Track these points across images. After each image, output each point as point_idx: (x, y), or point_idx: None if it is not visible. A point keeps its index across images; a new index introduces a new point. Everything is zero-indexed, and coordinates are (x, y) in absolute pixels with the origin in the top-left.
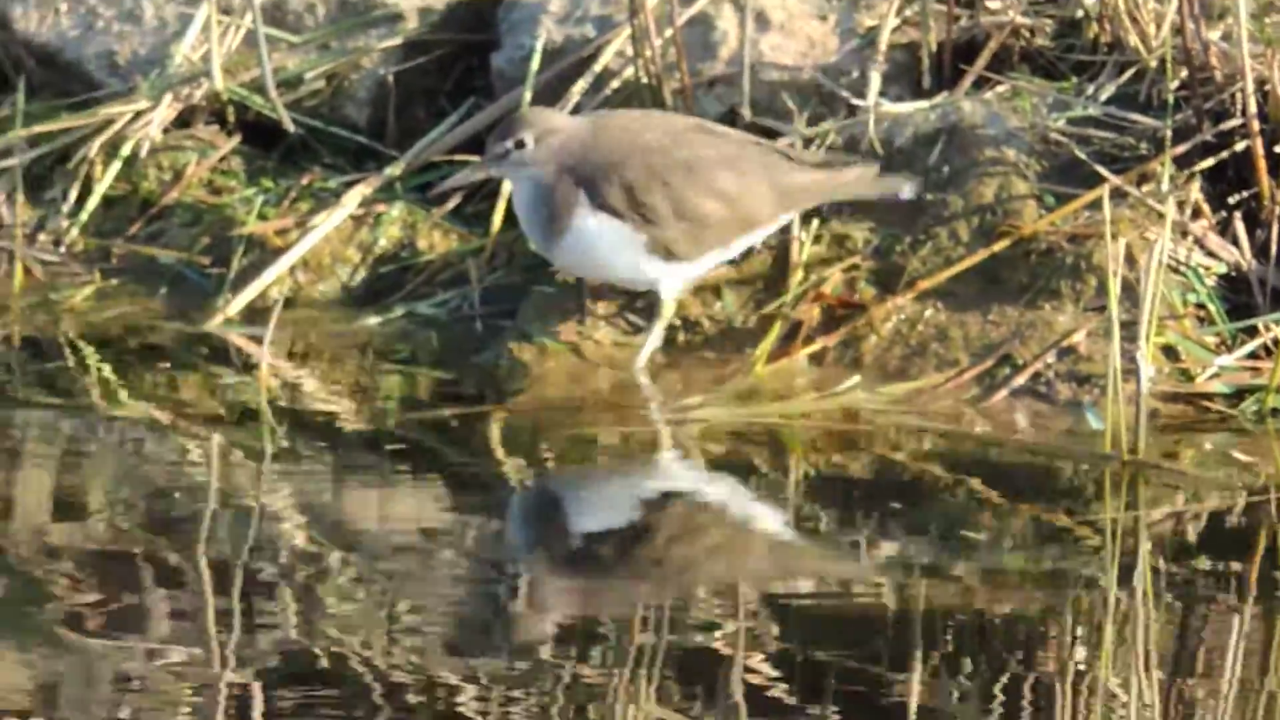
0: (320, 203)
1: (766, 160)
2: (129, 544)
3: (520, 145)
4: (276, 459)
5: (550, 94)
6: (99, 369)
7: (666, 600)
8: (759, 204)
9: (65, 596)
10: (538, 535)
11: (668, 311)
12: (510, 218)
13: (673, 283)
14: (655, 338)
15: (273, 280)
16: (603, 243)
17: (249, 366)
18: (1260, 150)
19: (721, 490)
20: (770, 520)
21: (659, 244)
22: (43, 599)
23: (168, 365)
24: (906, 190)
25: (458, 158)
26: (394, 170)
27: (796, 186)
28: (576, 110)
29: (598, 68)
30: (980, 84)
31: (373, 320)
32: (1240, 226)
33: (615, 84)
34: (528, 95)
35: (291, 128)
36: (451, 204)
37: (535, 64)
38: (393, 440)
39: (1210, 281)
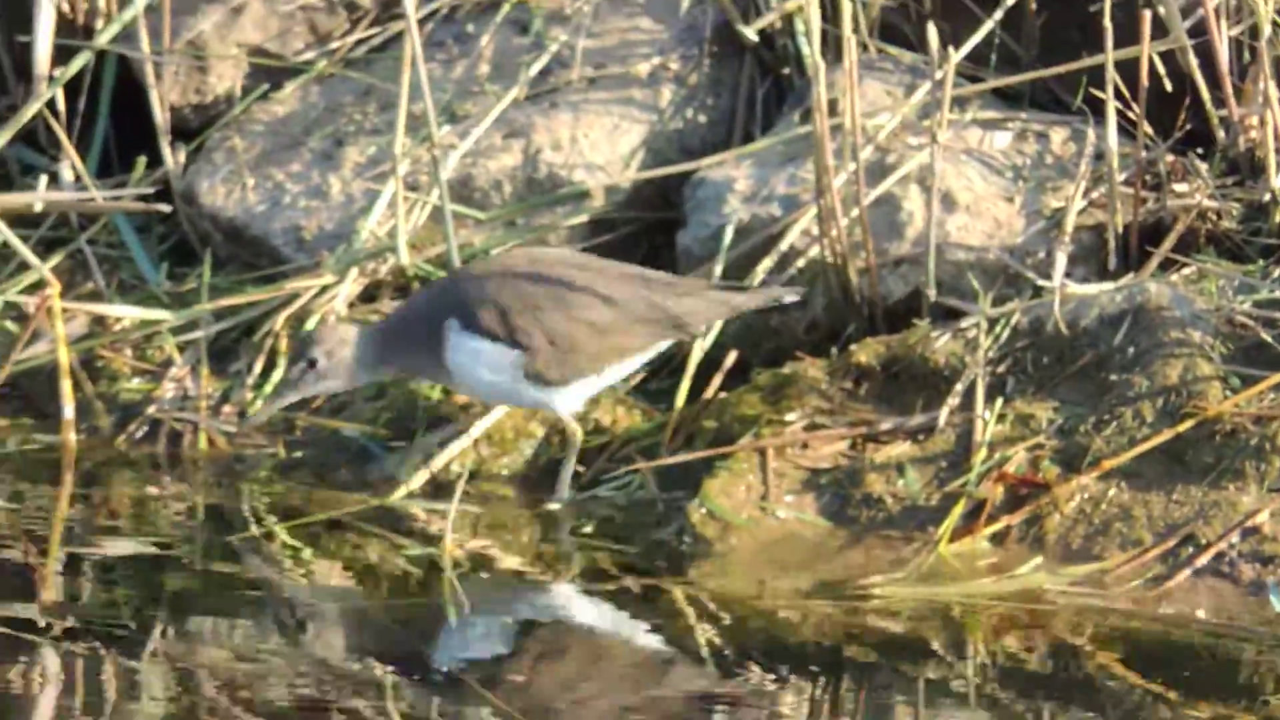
0: None
1: (640, 289)
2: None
3: (312, 364)
4: (460, 630)
5: (736, 272)
6: (282, 540)
7: None
8: (631, 332)
9: None
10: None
11: (574, 433)
12: (693, 393)
13: (565, 404)
14: (569, 465)
15: (456, 454)
16: (480, 362)
17: (432, 539)
18: None
19: (898, 673)
20: (947, 708)
21: (532, 368)
22: None
23: (350, 537)
24: (789, 297)
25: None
26: None
27: (670, 313)
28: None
29: (784, 246)
30: (1166, 266)
31: (551, 507)
32: None
33: (801, 263)
34: (718, 270)
35: None
36: (636, 380)
37: (726, 241)
38: (574, 611)
39: None
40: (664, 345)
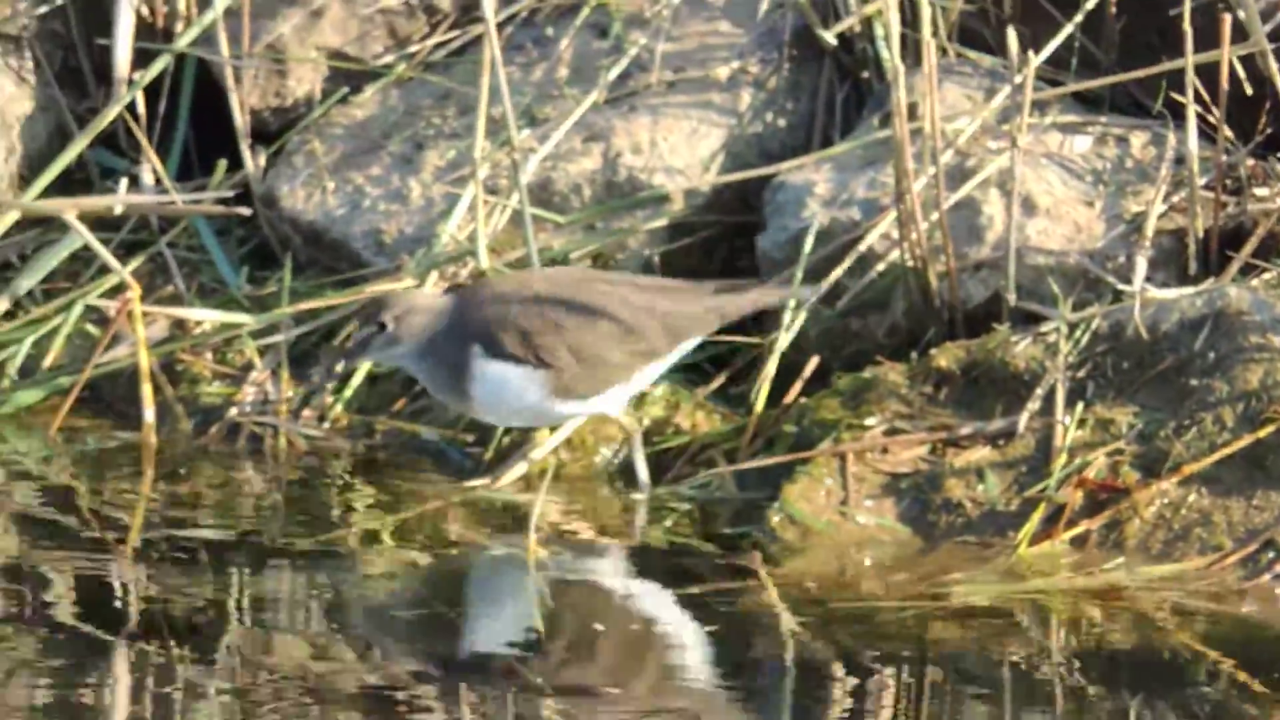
0: None
1: (656, 294)
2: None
3: (381, 328)
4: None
5: (815, 276)
6: (361, 540)
7: None
8: (651, 338)
9: None
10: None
11: (629, 427)
12: (773, 397)
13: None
14: (638, 456)
15: (539, 460)
16: (508, 388)
17: (514, 537)
18: None
19: (977, 668)
20: (1032, 702)
21: (560, 385)
22: None
23: (432, 534)
24: (805, 294)
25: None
26: None
27: (686, 316)
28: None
29: (863, 249)
30: (1247, 270)
31: (634, 496)
32: None
33: (880, 267)
34: (799, 275)
35: None
36: (716, 384)
37: (808, 245)
38: (654, 608)
39: None
40: (689, 345)
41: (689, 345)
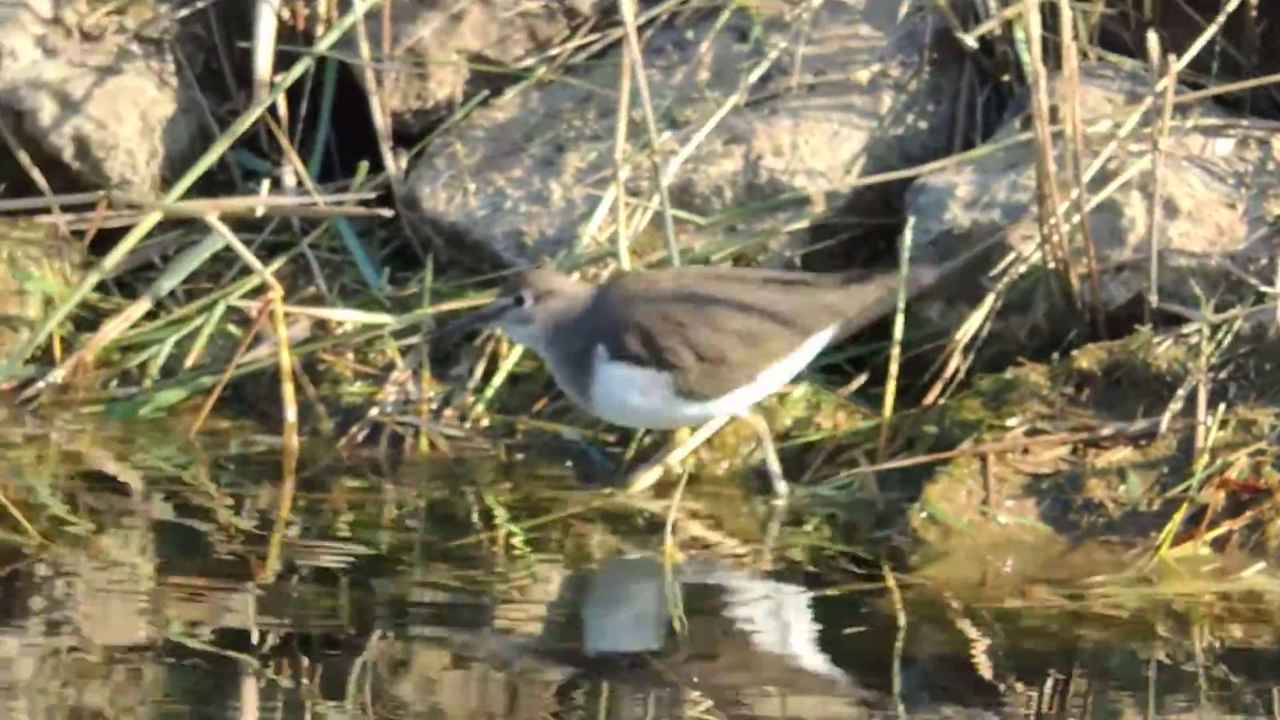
0: None
1: (779, 292)
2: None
3: (519, 302)
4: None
5: (956, 278)
6: (506, 541)
7: None
8: (775, 335)
9: None
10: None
11: (758, 427)
12: (903, 399)
13: (726, 414)
14: (770, 458)
15: (679, 460)
16: (631, 390)
17: (653, 540)
18: None
19: (1121, 670)
20: (1173, 706)
21: (683, 387)
22: None
23: (572, 538)
24: (927, 276)
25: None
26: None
27: (812, 311)
28: None
29: (1004, 253)
30: None
31: (774, 499)
32: None
33: (1022, 269)
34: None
35: None
36: (856, 384)
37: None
38: (793, 610)
39: None
40: (818, 343)
41: (817, 344)
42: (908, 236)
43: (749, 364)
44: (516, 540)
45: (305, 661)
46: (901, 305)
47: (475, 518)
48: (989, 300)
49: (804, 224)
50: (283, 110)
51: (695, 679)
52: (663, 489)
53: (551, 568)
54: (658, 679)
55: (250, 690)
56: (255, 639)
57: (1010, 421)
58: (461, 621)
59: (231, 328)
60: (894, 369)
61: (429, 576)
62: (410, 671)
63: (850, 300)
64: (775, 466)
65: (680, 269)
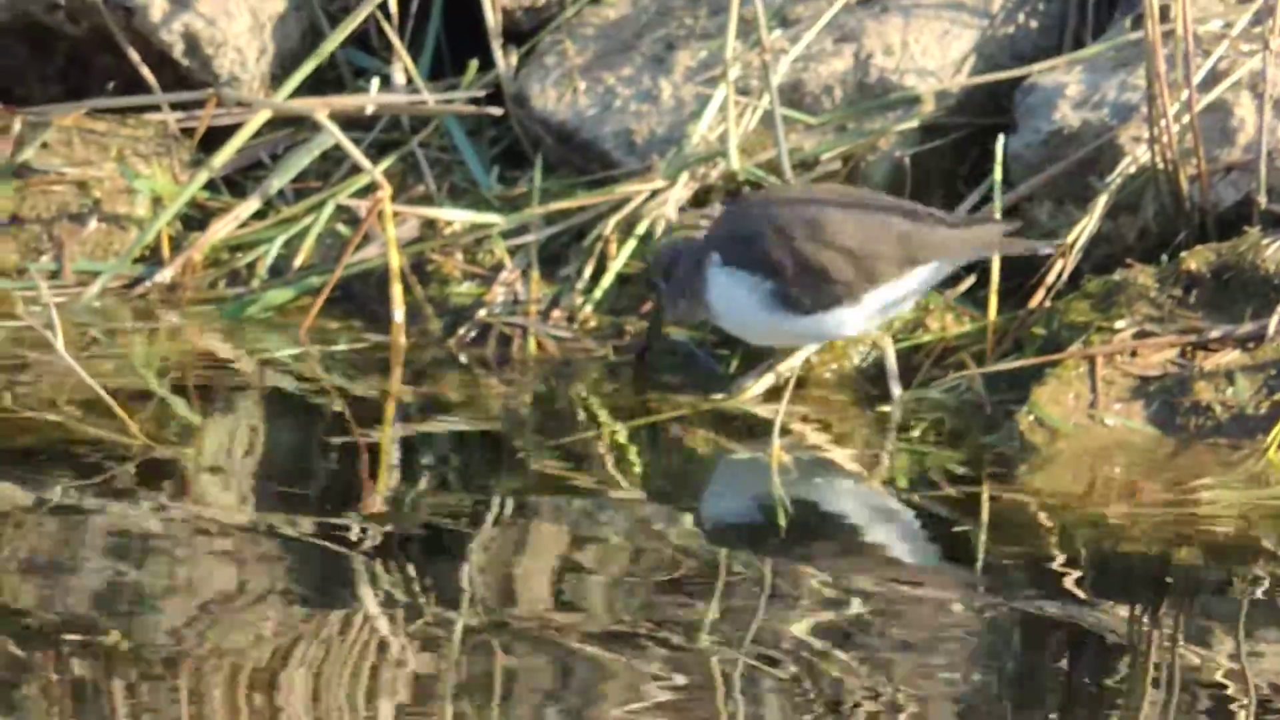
0: None
1: (895, 217)
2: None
3: (656, 291)
4: (786, 535)
5: (1065, 179)
6: (612, 442)
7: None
8: (881, 257)
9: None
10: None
11: (880, 341)
12: (1011, 300)
13: (831, 332)
14: (890, 365)
15: (788, 368)
16: (736, 296)
17: (761, 442)
18: None
19: (1228, 577)
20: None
21: (786, 296)
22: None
23: (679, 439)
24: (1044, 249)
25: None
26: None
27: (921, 241)
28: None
29: (1113, 153)
30: None
31: (886, 406)
32: None
33: (1131, 169)
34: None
35: None
36: (964, 286)
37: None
38: (899, 518)
39: None
40: (926, 275)
41: (928, 273)
42: (999, 151)
43: (852, 283)
44: (623, 440)
45: (415, 554)
46: (997, 258)
47: (582, 416)
48: (1099, 201)
49: (913, 124)
50: (393, 7)
51: (796, 572)
52: (770, 393)
53: (658, 465)
54: (759, 571)
55: (362, 581)
56: (364, 532)
57: (1118, 324)
58: (569, 516)
59: (340, 227)
60: (995, 271)
61: (533, 472)
62: (521, 566)
63: (961, 240)
64: (893, 366)
65: (808, 185)
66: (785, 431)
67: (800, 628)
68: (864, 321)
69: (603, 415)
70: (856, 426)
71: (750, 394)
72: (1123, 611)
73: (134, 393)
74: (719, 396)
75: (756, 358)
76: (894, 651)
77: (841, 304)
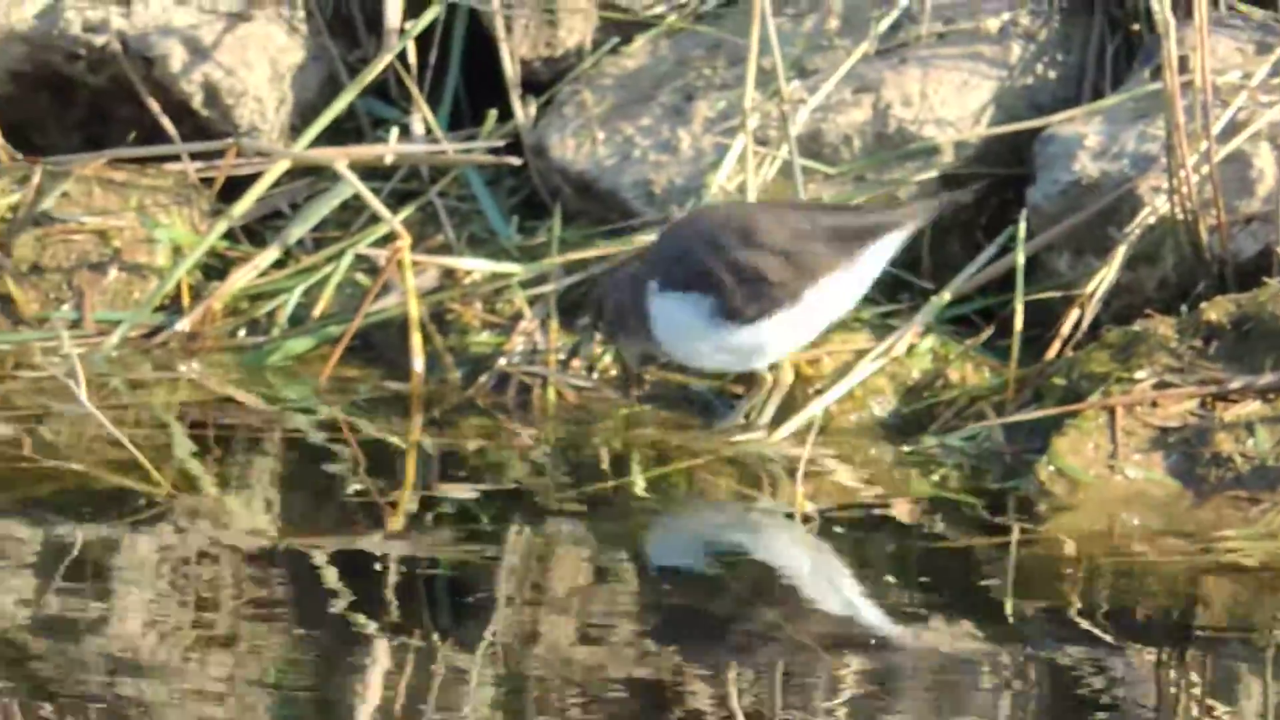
0: (852, 333)
1: (821, 213)
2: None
3: (591, 325)
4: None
5: (1085, 230)
6: (631, 486)
7: None
8: (814, 252)
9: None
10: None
11: (784, 378)
12: (1034, 351)
13: (774, 344)
14: (769, 403)
15: (812, 414)
16: (679, 319)
17: (782, 489)
18: None
19: (1252, 629)
20: None
21: (728, 309)
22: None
23: (699, 487)
24: (964, 197)
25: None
26: (936, 303)
27: (851, 228)
28: None
29: (1132, 204)
30: None
31: (904, 449)
32: None
33: (1150, 220)
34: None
35: None
36: (984, 335)
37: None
38: (915, 562)
39: None
40: (859, 265)
41: (865, 264)
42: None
43: (790, 283)
44: (644, 488)
45: (435, 602)
46: (1022, 258)
47: (603, 465)
48: (1118, 251)
49: (933, 174)
50: (412, 58)
51: (816, 616)
52: (794, 437)
53: (680, 512)
54: (779, 617)
55: (381, 629)
56: (387, 579)
57: (1138, 374)
58: (588, 569)
59: (360, 276)
60: (1019, 322)
61: (556, 523)
62: (542, 613)
63: (890, 219)
64: (771, 410)
65: (730, 202)
66: (807, 477)
67: (822, 676)
68: (811, 326)
69: (623, 463)
70: (876, 473)
71: (779, 437)
72: (1145, 661)
73: (155, 441)
74: (740, 439)
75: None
76: (923, 697)
77: (783, 307)
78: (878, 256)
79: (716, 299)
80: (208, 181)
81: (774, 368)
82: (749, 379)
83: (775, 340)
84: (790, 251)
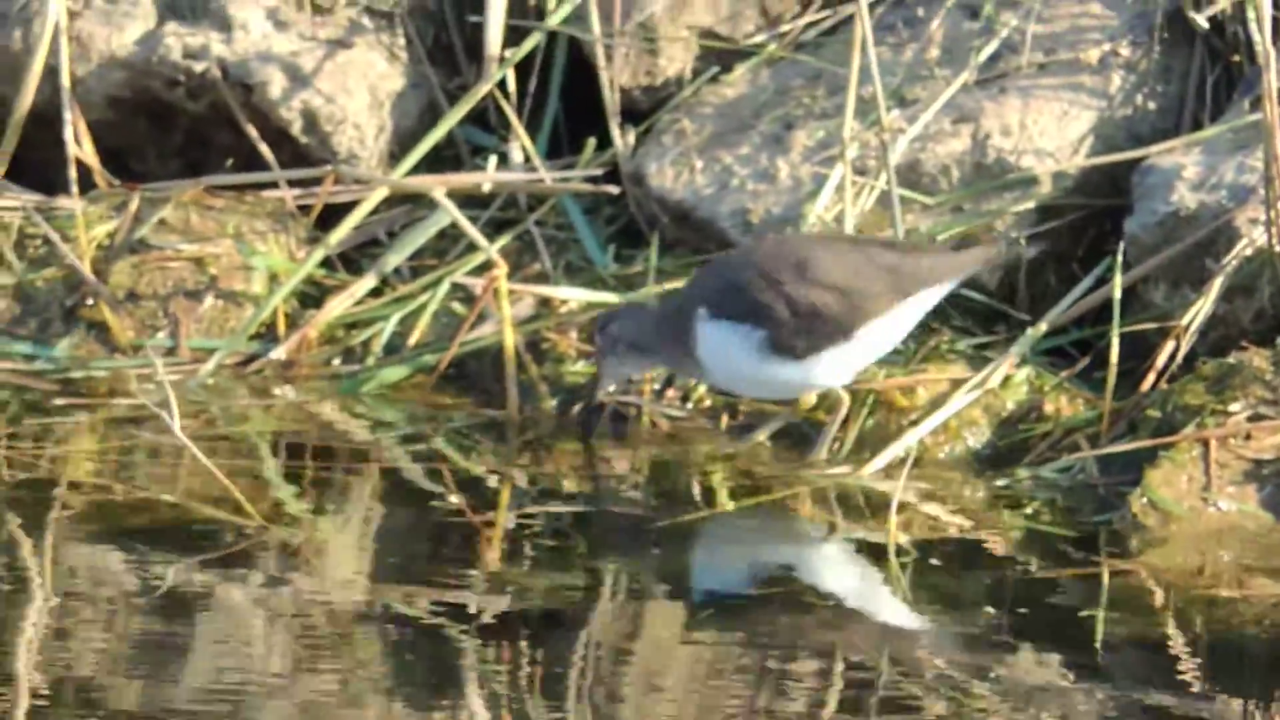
0: (947, 364)
1: (879, 250)
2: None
3: (599, 351)
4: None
5: (1183, 260)
6: (721, 517)
7: None
8: (870, 291)
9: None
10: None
11: (841, 399)
12: (1130, 382)
13: (822, 379)
14: (830, 431)
15: (906, 446)
16: (728, 348)
17: (876, 522)
18: None
19: None
20: None
21: (779, 343)
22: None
23: (791, 518)
24: (1030, 253)
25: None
26: (1032, 334)
27: (908, 271)
28: None
29: (1229, 235)
30: None
31: (998, 481)
32: None
33: (1247, 251)
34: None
35: None
36: (1080, 367)
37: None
38: (1010, 591)
39: None
40: (912, 306)
41: (919, 305)
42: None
43: (844, 320)
44: (735, 518)
45: (532, 634)
46: (1119, 290)
47: (696, 494)
48: (1215, 283)
49: (1031, 204)
50: (512, 86)
51: (914, 652)
52: (887, 469)
53: (773, 545)
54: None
55: (477, 663)
56: (480, 611)
57: (1232, 406)
58: (677, 597)
59: (455, 305)
60: (1114, 354)
61: (647, 550)
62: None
63: (946, 266)
64: (829, 437)
65: (786, 235)
66: (901, 509)
67: (914, 706)
68: (858, 361)
69: (716, 493)
70: (969, 505)
71: (867, 471)
72: (1236, 697)
73: (249, 472)
74: (835, 472)
75: (871, 432)
76: None
77: (834, 343)
78: (931, 299)
79: (769, 332)
80: (305, 209)
81: (832, 392)
82: (829, 404)
83: (819, 376)
84: (846, 289)
